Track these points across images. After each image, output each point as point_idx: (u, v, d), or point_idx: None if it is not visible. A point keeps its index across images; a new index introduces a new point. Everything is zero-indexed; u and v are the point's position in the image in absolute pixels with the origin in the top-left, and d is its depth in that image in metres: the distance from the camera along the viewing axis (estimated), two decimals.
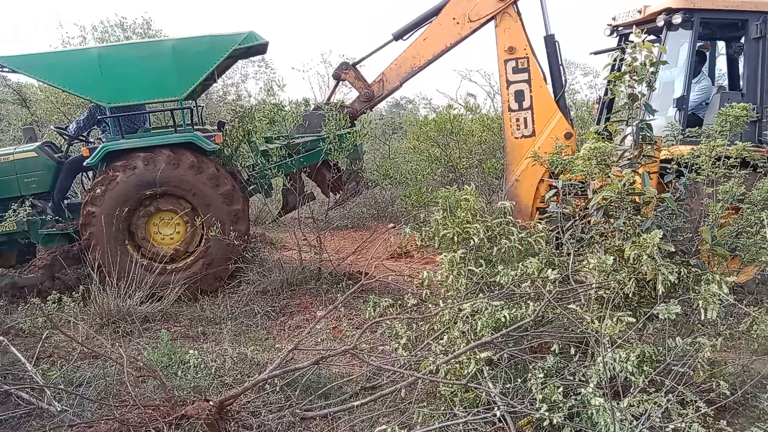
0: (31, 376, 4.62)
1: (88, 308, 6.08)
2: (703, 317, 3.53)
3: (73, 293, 5.92)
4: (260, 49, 7.47)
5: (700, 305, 3.53)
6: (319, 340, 5.57)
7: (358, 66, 7.60)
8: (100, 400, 4.33)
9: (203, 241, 6.88)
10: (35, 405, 4.27)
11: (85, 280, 6.57)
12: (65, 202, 7.39)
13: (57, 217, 7.08)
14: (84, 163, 6.82)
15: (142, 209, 6.79)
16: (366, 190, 8.78)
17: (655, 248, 3.69)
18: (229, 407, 3.93)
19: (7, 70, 6.60)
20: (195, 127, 7.21)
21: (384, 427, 3.31)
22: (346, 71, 7.60)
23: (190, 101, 7.73)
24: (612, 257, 3.89)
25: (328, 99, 7.95)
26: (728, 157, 4.65)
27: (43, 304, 5.71)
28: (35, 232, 6.98)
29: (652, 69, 4.23)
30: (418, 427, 3.59)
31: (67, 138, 7.47)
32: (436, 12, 7.18)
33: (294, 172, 7.51)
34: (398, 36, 7.43)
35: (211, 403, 3.77)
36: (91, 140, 7.76)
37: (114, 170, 6.60)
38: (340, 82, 7.81)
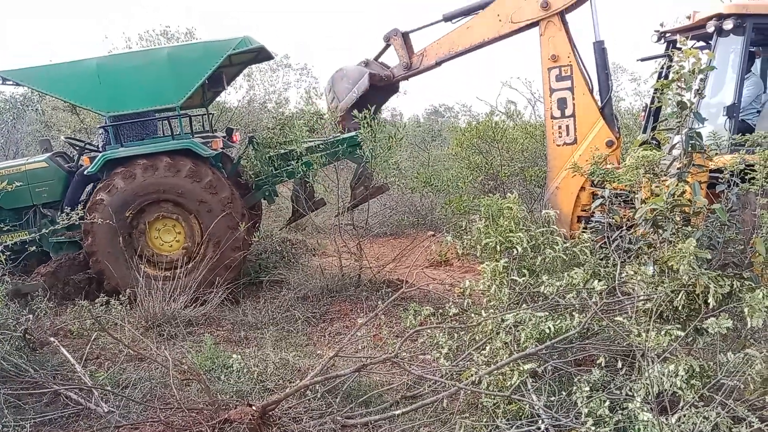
0: (79, 377, 4.73)
1: (134, 311, 6.22)
2: (749, 325, 3.41)
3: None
4: (266, 54, 7.57)
5: (746, 312, 3.42)
6: (360, 348, 5.57)
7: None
8: (145, 402, 4.42)
9: (207, 243, 6.86)
10: (83, 405, 4.38)
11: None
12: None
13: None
14: (85, 172, 6.91)
15: (143, 216, 6.86)
16: (380, 196, 8.65)
17: (691, 257, 3.59)
18: (271, 412, 3.97)
19: (10, 83, 6.74)
20: (205, 133, 7.25)
21: None
22: (395, 36, 7.75)
23: (201, 108, 7.81)
24: (653, 268, 3.80)
25: (376, 58, 8.09)
26: None
27: (91, 307, 5.87)
28: (46, 241, 7.09)
29: (701, 76, 4.12)
30: None
31: (78, 149, 7.60)
32: (485, 5, 7.26)
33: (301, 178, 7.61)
34: (448, 18, 7.60)
35: (253, 408, 3.82)
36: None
37: (113, 178, 6.69)
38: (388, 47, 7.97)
